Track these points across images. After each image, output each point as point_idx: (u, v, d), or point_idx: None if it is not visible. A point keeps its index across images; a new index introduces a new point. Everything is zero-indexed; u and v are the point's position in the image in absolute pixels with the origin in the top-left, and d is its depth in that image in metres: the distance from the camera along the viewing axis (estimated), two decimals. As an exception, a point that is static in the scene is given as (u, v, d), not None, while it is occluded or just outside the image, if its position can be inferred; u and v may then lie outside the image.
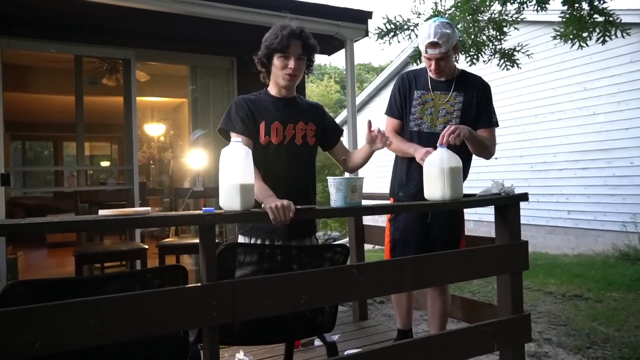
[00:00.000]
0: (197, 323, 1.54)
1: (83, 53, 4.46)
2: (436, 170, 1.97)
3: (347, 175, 2.12)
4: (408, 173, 2.51)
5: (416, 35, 4.05)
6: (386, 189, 2.75)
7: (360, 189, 1.83)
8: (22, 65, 5.26)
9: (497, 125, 2.52)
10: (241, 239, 2.16)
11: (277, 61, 2.05)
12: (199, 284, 1.53)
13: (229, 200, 1.62)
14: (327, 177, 1.88)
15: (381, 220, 2.95)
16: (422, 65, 2.57)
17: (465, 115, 2.45)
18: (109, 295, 1.36)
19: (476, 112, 2.47)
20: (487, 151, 2.46)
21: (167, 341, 1.59)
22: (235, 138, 1.94)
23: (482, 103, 2.48)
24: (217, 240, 1.72)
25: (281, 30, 2.02)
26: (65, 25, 3.85)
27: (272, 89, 2.17)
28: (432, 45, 2.36)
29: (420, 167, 2.32)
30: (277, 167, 2.08)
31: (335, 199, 1.80)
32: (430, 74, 2.51)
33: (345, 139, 2.54)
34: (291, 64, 2.03)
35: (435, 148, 2.24)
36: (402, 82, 2.57)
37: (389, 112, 2.61)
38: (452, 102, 2.46)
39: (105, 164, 12.03)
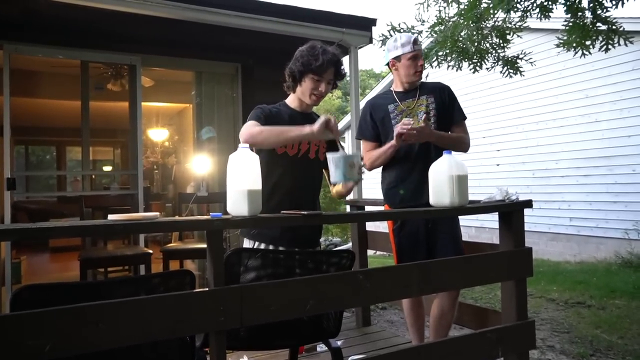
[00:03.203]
0: (205, 328, 1.55)
1: (89, 59, 4.50)
2: (444, 177, 1.98)
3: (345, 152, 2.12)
4: (401, 173, 2.57)
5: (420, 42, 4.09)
6: None
7: (359, 164, 1.84)
8: (28, 70, 5.29)
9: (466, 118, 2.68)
10: (246, 243, 2.18)
11: (309, 81, 2.11)
12: (207, 289, 1.54)
13: (236, 205, 1.63)
14: (327, 153, 1.89)
15: (382, 227, 2.96)
16: (388, 83, 2.69)
17: (441, 114, 2.59)
18: (118, 300, 1.37)
19: (448, 111, 2.62)
20: (464, 145, 2.61)
21: (173, 346, 1.59)
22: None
23: (451, 101, 2.63)
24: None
25: (323, 53, 2.07)
26: (72, 32, 3.89)
27: (293, 102, 2.23)
28: (415, 41, 2.58)
29: (414, 165, 2.47)
30: (289, 177, 2.14)
31: (335, 176, 1.80)
32: (408, 79, 2.58)
33: (348, 145, 2.57)
34: (322, 87, 2.12)
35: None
36: (372, 107, 2.69)
37: (361, 135, 2.73)
38: (425, 104, 2.60)
39: (107, 168, 12.05)
